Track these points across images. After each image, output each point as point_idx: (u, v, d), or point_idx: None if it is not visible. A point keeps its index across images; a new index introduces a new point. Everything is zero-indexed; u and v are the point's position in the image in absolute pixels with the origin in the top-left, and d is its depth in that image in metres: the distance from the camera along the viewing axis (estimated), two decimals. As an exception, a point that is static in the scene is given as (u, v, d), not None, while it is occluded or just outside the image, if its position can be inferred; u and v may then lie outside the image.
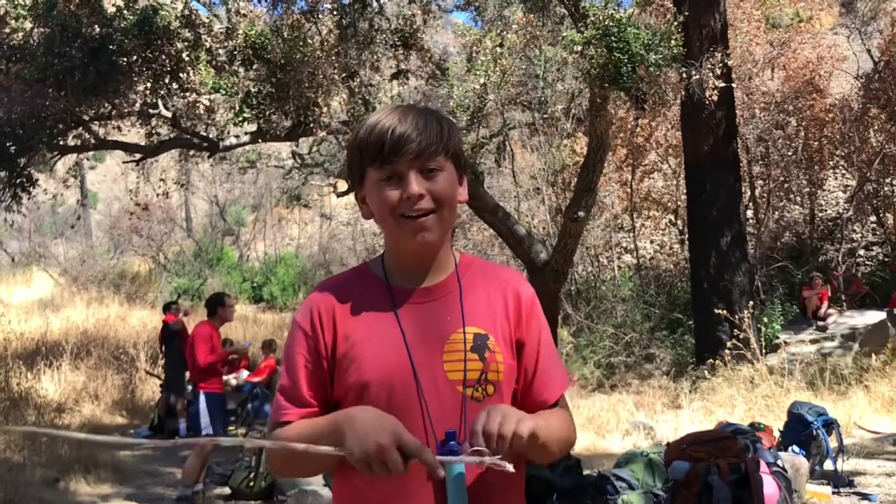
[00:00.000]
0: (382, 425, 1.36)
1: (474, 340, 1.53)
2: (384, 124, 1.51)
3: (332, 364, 1.53)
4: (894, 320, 11.53)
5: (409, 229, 1.50)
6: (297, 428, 1.49)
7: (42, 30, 9.09)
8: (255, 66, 9.87)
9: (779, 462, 4.88)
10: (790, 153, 15.83)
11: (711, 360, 10.11)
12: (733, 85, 11.57)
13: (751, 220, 15.66)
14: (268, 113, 10.07)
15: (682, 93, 9.41)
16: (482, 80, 10.60)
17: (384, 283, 1.57)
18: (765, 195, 16.21)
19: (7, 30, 8.97)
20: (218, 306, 6.93)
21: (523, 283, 1.66)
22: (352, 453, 1.35)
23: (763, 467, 4.52)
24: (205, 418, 6.62)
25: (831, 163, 16.59)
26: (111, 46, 8.91)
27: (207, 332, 6.75)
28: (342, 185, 16.11)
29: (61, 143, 10.22)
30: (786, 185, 16.20)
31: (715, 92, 9.28)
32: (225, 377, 7.29)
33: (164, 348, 10.57)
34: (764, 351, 9.53)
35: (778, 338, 11.81)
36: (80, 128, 10.20)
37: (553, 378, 1.61)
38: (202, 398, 6.65)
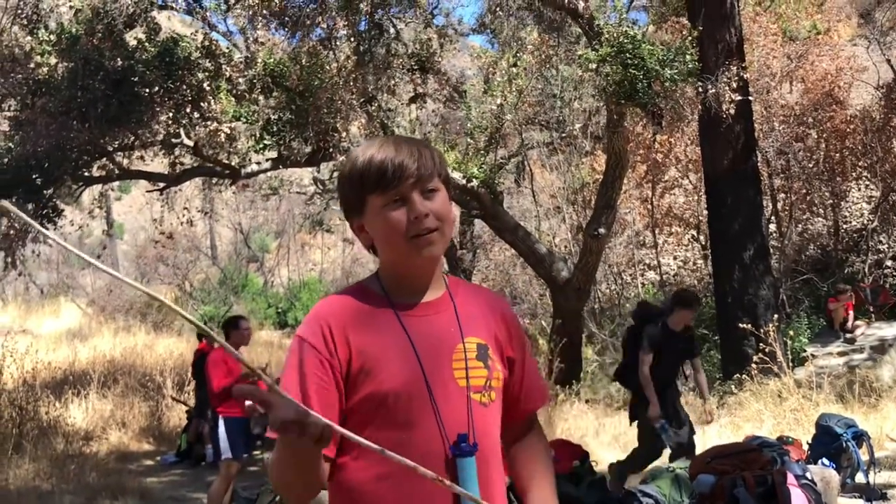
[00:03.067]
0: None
1: (477, 349, 1.64)
2: (380, 155, 1.60)
3: (345, 379, 1.56)
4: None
5: (418, 247, 1.58)
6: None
7: (66, 64, 9.29)
8: (274, 94, 10.01)
9: (808, 475, 4.82)
10: (811, 165, 15.71)
11: (738, 375, 9.99)
12: (751, 98, 11.53)
13: (774, 234, 15.53)
14: (288, 139, 10.21)
15: (699, 107, 9.42)
16: (499, 101, 10.68)
17: (387, 299, 1.63)
18: (787, 208, 16.08)
19: (32, 65, 9.18)
20: (232, 329, 6.94)
21: (506, 305, 1.83)
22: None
23: (791, 480, 4.47)
24: (224, 443, 6.59)
25: (854, 174, 16.43)
26: (133, 78, 9.09)
27: (221, 356, 6.73)
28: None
29: (86, 174, 10.41)
30: (808, 198, 16.06)
31: (732, 105, 9.27)
32: (248, 403, 7.29)
33: (195, 375, 10.64)
34: (791, 364, 9.41)
35: (805, 351, 11.65)
36: (105, 158, 10.40)
37: (536, 392, 1.77)
38: (221, 423, 6.64)
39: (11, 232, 9.94)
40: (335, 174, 15.28)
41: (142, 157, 10.94)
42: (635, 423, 6.30)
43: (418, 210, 1.57)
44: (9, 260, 10.17)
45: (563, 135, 13.55)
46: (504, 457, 1.73)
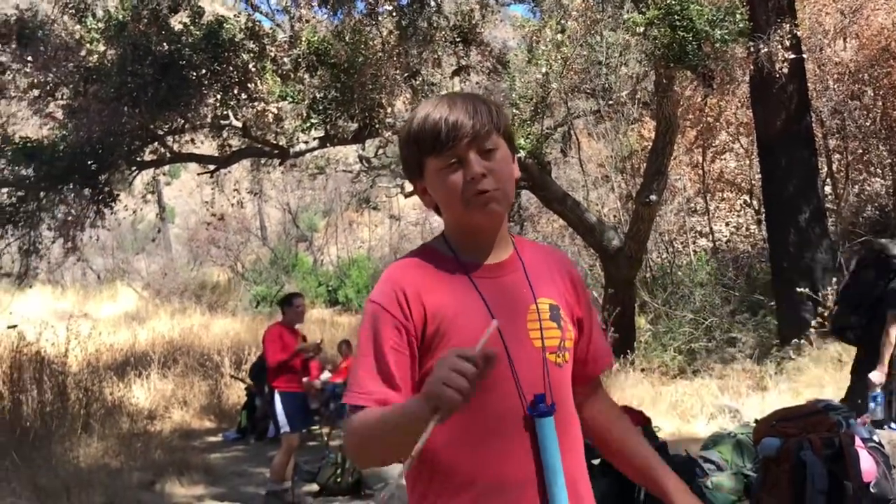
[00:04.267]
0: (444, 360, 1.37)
1: (550, 310, 1.62)
2: (435, 115, 1.57)
3: (420, 342, 1.55)
4: None
5: (476, 208, 1.56)
6: (375, 412, 1.49)
7: (115, 51, 9.42)
8: (319, 72, 10.03)
9: (875, 438, 4.72)
10: (868, 124, 15.25)
11: (796, 340, 9.83)
12: (804, 56, 11.22)
13: (829, 196, 15.16)
14: (334, 117, 10.23)
15: (751, 68, 9.20)
16: (544, 70, 10.55)
17: (455, 259, 1.61)
18: (843, 169, 15.66)
19: (83, 52, 9.33)
20: (286, 307, 7.09)
21: (571, 263, 1.80)
22: (430, 391, 1.36)
23: (858, 442, 4.38)
24: (281, 417, 6.74)
25: (913, 131, 15.94)
26: (180, 62, 9.19)
27: (277, 332, 6.91)
28: (409, 186, 16.22)
29: (139, 158, 10.58)
30: (865, 158, 15.61)
31: (785, 64, 9.04)
32: (305, 379, 7.39)
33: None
34: (852, 328, 9.22)
35: (865, 314, 11.41)
36: (156, 142, 10.55)
37: (603, 353, 1.77)
38: (277, 397, 6.77)
39: (69, 218, 10.18)
40: (380, 151, 15.31)
41: (192, 140, 11.09)
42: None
43: (475, 171, 1.55)
44: (69, 246, 10.41)
45: (610, 102, 13.34)
46: (584, 420, 1.72)
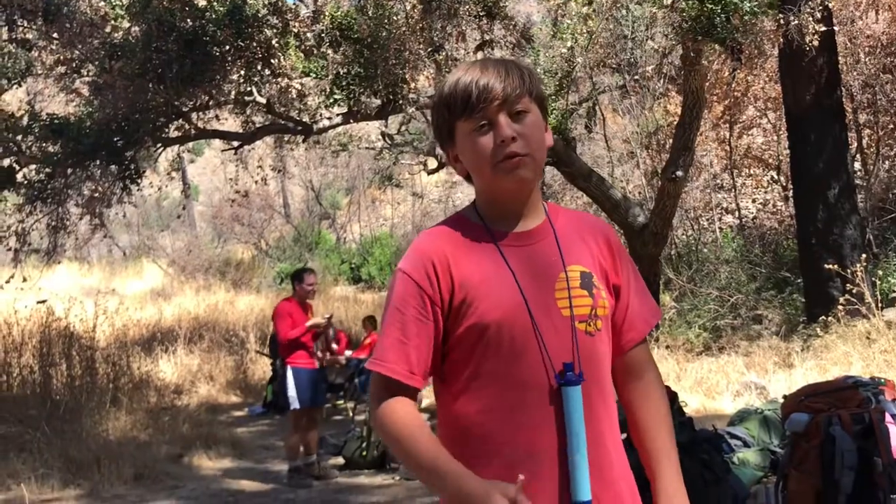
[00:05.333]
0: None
1: (581, 278, 1.60)
2: (466, 78, 1.56)
3: (447, 313, 1.55)
4: None
5: (504, 171, 1.55)
6: (426, 443, 1.50)
7: (139, 27, 9.43)
8: (342, 48, 9.99)
9: (904, 414, 4.67)
10: (900, 98, 14.99)
11: (823, 318, 9.71)
12: (834, 29, 11.01)
13: (859, 172, 14.93)
14: (357, 93, 10.19)
15: (780, 40, 9.03)
16: (569, 44, 10.44)
17: (484, 228, 1.61)
18: (873, 144, 15.41)
19: (108, 29, 9.34)
20: (296, 283, 7.06)
21: (610, 228, 1.74)
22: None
23: (888, 419, 4.33)
24: (292, 392, 6.73)
25: (946, 105, 15.62)
26: (205, 38, 9.17)
27: (287, 308, 6.88)
28: (432, 163, 16.20)
29: (164, 135, 10.62)
30: (896, 133, 15.37)
31: (815, 37, 8.85)
32: (321, 354, 7.37)
33: None
34: (880, 305, 9.10)
35: (895, 291, 11.26)
36: (181, 119, 10.57)
37: (635, 325, 1.68)
38: (289, 372, 6.77)
39: (96, 195, 10.26)
40: (403, 128, 15.27)
41: (216, 117, 11.12)
42: None
43: (505, 133, 1.53)
44: (95, 222, 10.51)
45: (636, 77, 13.20)
46: (619, 396, 1.69)
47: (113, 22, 9.44)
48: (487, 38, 11.54)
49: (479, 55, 11.85)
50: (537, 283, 1.56)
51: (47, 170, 9.99)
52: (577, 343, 1.55)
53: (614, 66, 13.60)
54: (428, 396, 6.74)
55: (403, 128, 15.22)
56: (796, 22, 8.64)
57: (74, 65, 10.03)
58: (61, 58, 9.93)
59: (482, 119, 1.54)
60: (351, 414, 9.42)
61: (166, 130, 10.63)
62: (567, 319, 1.55)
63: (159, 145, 10.88)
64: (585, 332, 1.57)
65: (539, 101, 1.60)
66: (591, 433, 1.52)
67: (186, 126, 10.87)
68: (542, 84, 8.78)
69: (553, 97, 10.70)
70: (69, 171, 9.90)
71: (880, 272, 10.84)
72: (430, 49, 10.18)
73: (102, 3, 9.71)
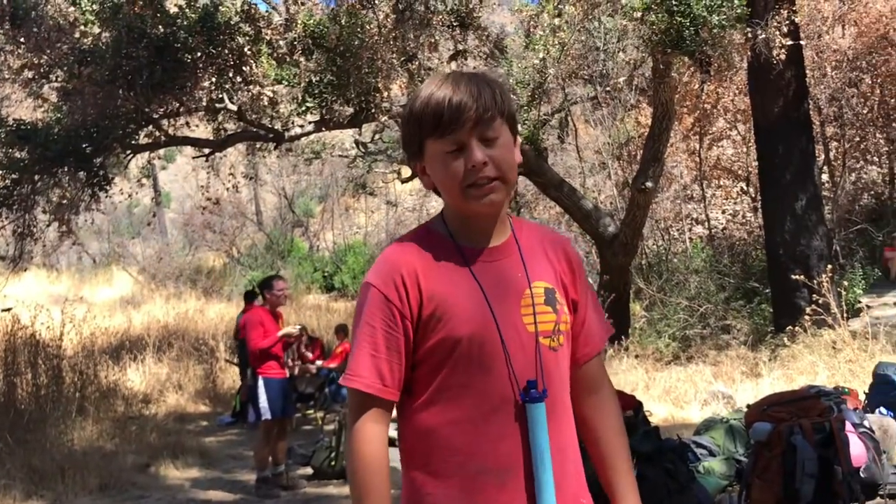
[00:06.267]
0: None
1: (545, 294, 1.61)
2: (439, 95, 1.54)
3: (416, 325, 1.55)
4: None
5: (475, 197, 1.55)
6: (377, 493, 1.57)
7: (109, 33, 9.37)
8: (314, 56, 9.99)
9: (865, 423, 4.74)
10: (865, 111, 15.25)
11: (790, 328, 9.83)
12: (802, 43, 11.18)
13: (826, 183, 15.16)
14: (330, 101, 10.19)
15: (749, 54, 9.17)
16: (541, 55, 10.51)
17: (452, 243, 1.61)
18: (840, 156, 15.67)
19: (77, 34, 9.27)
20: (265, 291, 6.95)
21: (568, 242, 1.76)
22: None
23: (849, 427, 4.40)
24: (263, 402, 6.64)
25: (910, 119, 15.92)
26: (175, 45, 9.14)
27: (258, 317, 6.77)
28: (406, 172, 16.21)
29: (134, 141, 10.53)
30: (862, 146, 15.62)
31: (783, 50, 9.01)
32: (292, 363, 7.30)
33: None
34: (846, 315, 9.23)
35: (860, 302, 11.42)
36: (151, 126, 10.50)
37: (590, 340, 1.71)
38: (260, 382, 6.69)
39: (64, 201, 10.15)
40: (376, 136, 15.26)
41: (187, 124, 11.05)
42: None
43: (476, 158, 1.53)
44: (63, 229, 10.38)
45: (607, 88, 13.32)
46: (574, 410, 1.67)
47: (83, 27, 9.37)
48: (461, 48, 11.60)
49: (453, 65, 11.92)
50: (504, 299, 1.57)
51: (14, 176, 9.86)
52: (542, 359, 1.57)
53: (586, 77, 13.71)
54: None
55: (377, 136, 15.23)
56: (764, 36, 8.78)
57: (42, 70, 9.93)
58: (29, 63, 9.83)
59: (454, 142, 1.54)
60: (320, 423, 9.38)
61: (136, 137, 10.55)
62: (532, 335, 1.57)
63: (129, 152, 10.79)
64: (549, 347, 1.58)
65: (510, 119, 1.60)
66: (555, 447, 1.53)
67: (157, 133, 10.80)
68: (515, 95, 8.80)
69: (525, 107, 10.78)
70: (36, 177, 9.79)
71: (846, 283, 10.99)
72: (402, 58, 10.21)
73: (72, 9, 9.63)
